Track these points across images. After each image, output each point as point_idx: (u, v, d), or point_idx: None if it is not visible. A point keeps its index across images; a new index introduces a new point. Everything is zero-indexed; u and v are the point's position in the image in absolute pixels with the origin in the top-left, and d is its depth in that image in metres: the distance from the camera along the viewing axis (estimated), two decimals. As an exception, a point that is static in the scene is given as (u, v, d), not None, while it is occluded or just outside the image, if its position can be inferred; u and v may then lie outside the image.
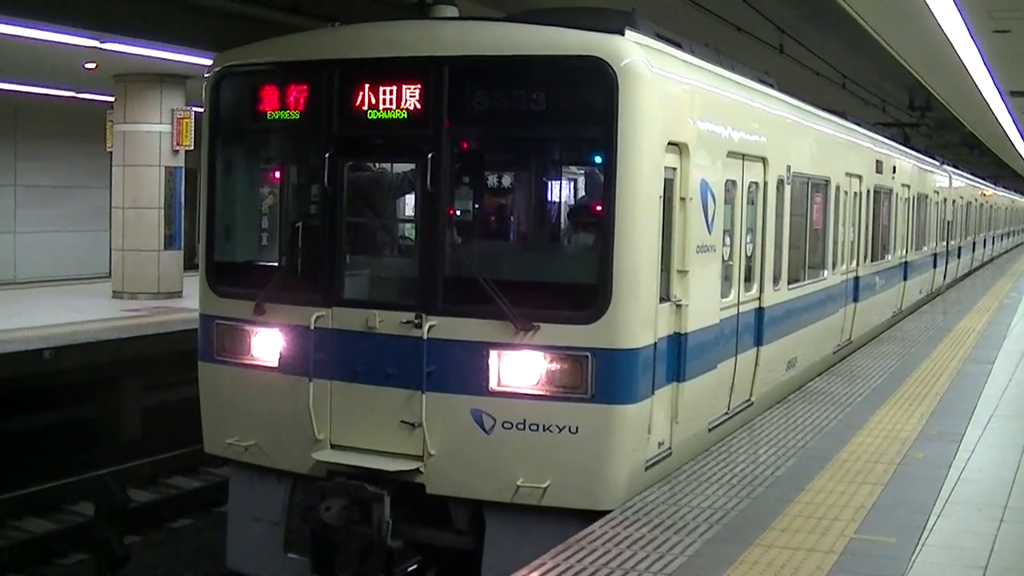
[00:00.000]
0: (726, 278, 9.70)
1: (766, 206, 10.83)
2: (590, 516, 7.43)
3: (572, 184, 9.29)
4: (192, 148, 20.64)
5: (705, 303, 9.00)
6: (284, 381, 8.36)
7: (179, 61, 17.91)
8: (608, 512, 7.49)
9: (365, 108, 8.08)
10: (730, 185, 9.71)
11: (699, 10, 14.60)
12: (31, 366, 14.33)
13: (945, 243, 26.56)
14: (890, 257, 18.76)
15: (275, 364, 8.43)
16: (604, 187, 7.72)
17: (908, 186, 20.17)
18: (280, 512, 8.60)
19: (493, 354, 7.71)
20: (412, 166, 8.46)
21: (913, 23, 14.26)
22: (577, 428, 7.57)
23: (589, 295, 7.66)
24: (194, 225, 19.42)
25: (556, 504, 7.62)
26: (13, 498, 13.18)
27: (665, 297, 8.28)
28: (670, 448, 8.50)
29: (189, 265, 20.59)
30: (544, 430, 7.61)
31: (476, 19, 9.35)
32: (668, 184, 8.26)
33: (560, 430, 7.59)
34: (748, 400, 10.53)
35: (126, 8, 15.10)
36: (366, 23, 8.63)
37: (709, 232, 8.99)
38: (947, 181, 26.85)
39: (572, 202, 9.31)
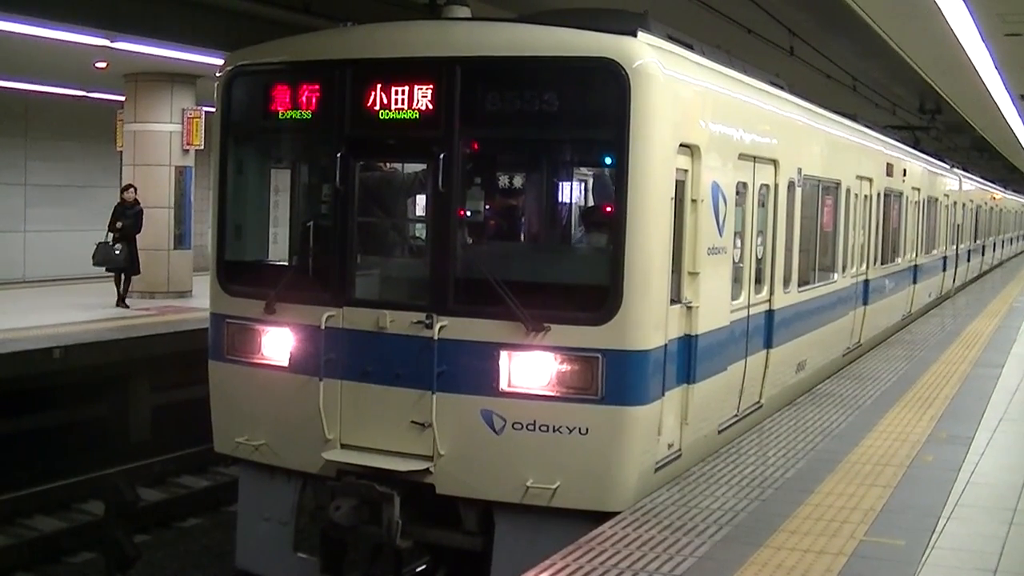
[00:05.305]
0: (736, 280, 9.68)
1: (777, 208, 10.82)
2: (600, 517, 7.42)
3: (583, 185, 9.28)
4: (202, 147, 20.70)
5: (715, 305, 8.99)
6: (294, 380, 8.36)
7: (189, 60, 17.98)
8: (618, 513, 7.49)
9: (377, 108, 8.08)
10: (741, 187, 9.70)
11: (710, 12, 14.62)
12: (41, 365, 14.35)
13: (955, 246, 26.52)
14: (900, 260, 18.73)
15: (285, 363, 8.44)
16: (616, 188, 7.71)
17: (918, 189, 20.15)
18: (290, 512, 8.61)
19: (504, 355, 7.70)
20: (423, 166, 8.46)
21: (924, 26, 14.23)
22: (587, 429, 7.56)
23: (600, 296, 7.65)
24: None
25: (566, 505, 7.62)
26: (23, 496, 13.19)
27: (676, 299, 8.28)
28: (680, 450, 8.49)
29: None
30: (554, 431, 7.61)
31: (488, 20, 9.35)
32: (679, 186, 8.25)
33: (570, 431, 7.58)
34: (758, 402, 10.52)
35: (137, 7, 15.14)
36: (378, 23, 8.63)
37: (720, 234, 8.99)
38: (957, 184, 26.81)
39: (583, 203, 9.30)
